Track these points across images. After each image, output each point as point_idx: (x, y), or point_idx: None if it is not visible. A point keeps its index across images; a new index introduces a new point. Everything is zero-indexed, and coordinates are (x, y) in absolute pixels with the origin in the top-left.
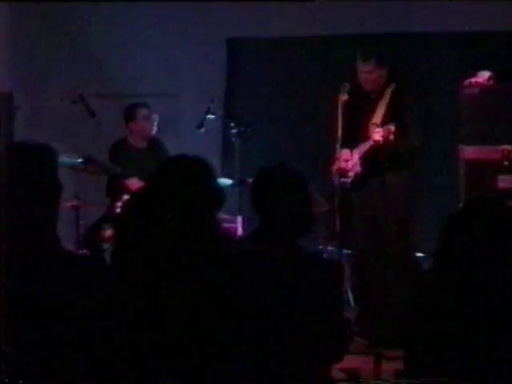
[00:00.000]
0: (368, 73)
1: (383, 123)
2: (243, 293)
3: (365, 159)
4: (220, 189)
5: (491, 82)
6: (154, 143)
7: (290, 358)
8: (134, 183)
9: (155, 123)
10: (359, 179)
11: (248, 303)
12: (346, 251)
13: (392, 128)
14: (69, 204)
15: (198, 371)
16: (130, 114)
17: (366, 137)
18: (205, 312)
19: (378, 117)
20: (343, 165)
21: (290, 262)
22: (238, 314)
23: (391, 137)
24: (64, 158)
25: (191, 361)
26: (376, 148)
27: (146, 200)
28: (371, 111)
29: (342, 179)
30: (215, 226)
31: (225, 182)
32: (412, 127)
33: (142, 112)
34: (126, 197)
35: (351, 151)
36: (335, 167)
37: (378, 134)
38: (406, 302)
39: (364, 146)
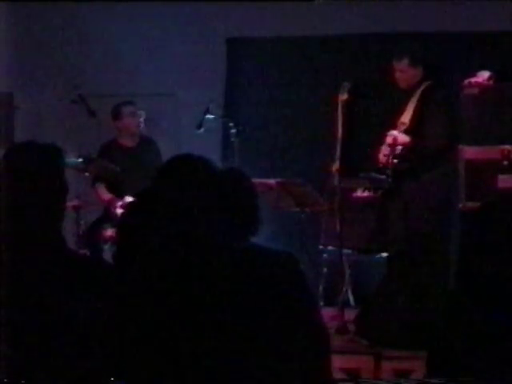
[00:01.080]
0: (401, 71)
1: (412, 122)
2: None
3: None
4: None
5: (491, 81)
6: (145, 143)
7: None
8: (103, 192)
9: (141, 119)
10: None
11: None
12: (345, 251)
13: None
14: (69, 204)
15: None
16: (115, 113)
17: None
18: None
19: (407, 115)
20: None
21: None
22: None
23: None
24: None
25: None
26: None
27: (150, 200)
28: (401, 109)
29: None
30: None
31: None
32: (438, 127)
33: (127, 109)
34: (128, 198)
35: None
36: (335, 167)
37: (390, 138)
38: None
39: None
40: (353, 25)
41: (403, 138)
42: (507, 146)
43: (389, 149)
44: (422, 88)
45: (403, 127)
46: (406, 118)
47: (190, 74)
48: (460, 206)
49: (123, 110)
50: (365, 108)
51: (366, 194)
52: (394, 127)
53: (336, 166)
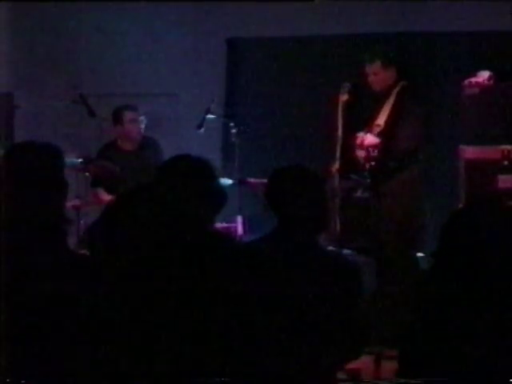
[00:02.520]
0: (374, 74)
1: (387, 124)
2: (260, 291)
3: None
4: (221, 189)
5: (491, 81)
6: (145, 144)
7: (305, 356)
8: (102, 194)
9: (142, 126)
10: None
11: (264, 302)
12: (345, 251)
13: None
14: (69, 204)
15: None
16: (116, 117)
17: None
18: (212, 314)
19: (382, 118)
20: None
21: (308, 262)
22: (252, 316)
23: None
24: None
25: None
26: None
27: (143, 199)
28: (376, 112)
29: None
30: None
31: (225, 181)
32: (412, 127)
33: (128, 115)
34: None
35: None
36: (335, 167)
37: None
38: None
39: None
40: (353, 25)
41: (371, 139)
42: (507, 146)
43: (364, 151)
44: (396, 89)
45: (378, 129)
46: (382, 120)
47: (190, 74)
48: (460, 205)
49: (124, 116)
50: (365, 108)
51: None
52: (370, 130)
53: (336, 165)
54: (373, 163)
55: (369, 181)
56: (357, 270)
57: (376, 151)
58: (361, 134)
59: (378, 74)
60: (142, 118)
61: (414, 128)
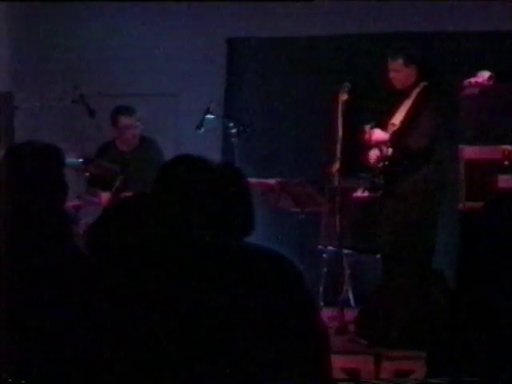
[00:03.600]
0: (396, 71)
1: (403, 124)
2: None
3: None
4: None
5: (491, 82)
6: (143, 144)
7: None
8: (100, 192)
9: (137, 132)
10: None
11: (180, 311)
12: (345, 251)
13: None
14: (69, 204)
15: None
16: (112, 120)
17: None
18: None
19: (398, 117)
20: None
21: (233, 265)
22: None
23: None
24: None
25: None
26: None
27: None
28: (393, 110)
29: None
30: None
31: None
32: (426, 126)
33: (124, 121)
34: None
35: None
36: (335, 167)
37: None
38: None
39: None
40: (353, 25)
41: (379, 134)
42: (507, 146)
43: (377, 151)
44: (417, 90)
45: (393, 128)
46: (398, 119)
47: (190, 74)
48: (460, 205)
49: (120, 121)
50: (365, 108)
51: (366, 194)
52: (384, 128)
53: (336, 165)
54: (386, 163)
55: (381, 181)
56: (292, 273)
57: (387, 150)
58: (368, 127)
59: (399, 72)
60: (138, 123)
61: (429, 127)
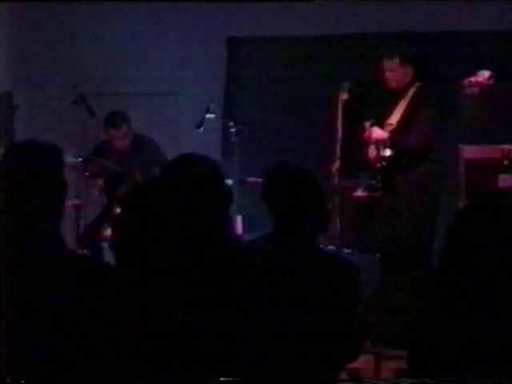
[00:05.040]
0: (391, 70)
1: (399, 124)
2: (261, 292)
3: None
4: (228, 188)
5: (491, 81)
6: (138, 143)
7: (305, 358)
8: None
9: (126, 141)
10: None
11: (262, 304)
12: (345, 251)
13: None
14: (69, 203)
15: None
16: (103, 126)
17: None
18: (217, 313)
19: (395, 117)
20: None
21: (308, 262)
22: (253, 315)
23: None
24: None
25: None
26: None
27: (152, 199)
28: (390, 110)
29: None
30: (226, 226)
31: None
32: (424, 126)
33: (111, 132)
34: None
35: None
36: (335, 166)
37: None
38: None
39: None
40: (353, 25)
41: (378, 132)
42: (507, 146)
43: (375, 150)
44: (413, 89)
45: (389, 128)
46: (394, 119)
47: (190, 74)
48: (460, 205)
49: (107, 130)
50: (365, 108)
51: (365, 193)
52: (381, 128)
53: (336, 165)
54: (384, 163)
55: (379, 181)
56: (355, 270)
57: (386, 149)
58: (367, 125)
59: (394, 71)
60: (126, 131)
61: (426, 127)
